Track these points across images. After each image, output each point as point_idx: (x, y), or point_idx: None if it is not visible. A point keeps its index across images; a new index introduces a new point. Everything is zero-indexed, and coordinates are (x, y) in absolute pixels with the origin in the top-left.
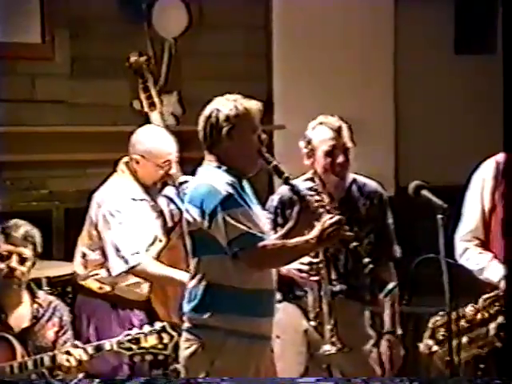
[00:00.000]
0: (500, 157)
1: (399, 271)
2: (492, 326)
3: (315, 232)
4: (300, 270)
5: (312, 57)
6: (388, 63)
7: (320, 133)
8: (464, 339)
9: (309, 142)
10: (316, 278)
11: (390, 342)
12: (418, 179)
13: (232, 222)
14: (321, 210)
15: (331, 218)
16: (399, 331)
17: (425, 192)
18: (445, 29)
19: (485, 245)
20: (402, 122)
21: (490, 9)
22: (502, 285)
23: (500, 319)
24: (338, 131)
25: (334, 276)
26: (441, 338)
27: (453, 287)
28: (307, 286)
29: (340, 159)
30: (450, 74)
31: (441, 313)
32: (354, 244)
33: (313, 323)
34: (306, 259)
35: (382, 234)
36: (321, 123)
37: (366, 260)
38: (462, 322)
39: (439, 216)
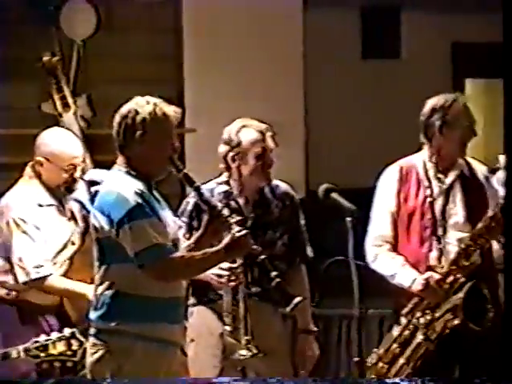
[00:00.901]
0: (404, 161)
1: (310, 273)
2: (419, 334)
3: (223, 244)
4: (219, 276)
5: (223, 59)
6: (298, 66)
7: (248, 135)
8: (401, 360)
9: (237, 145)
10: (235, 283)
11: (305, 341)
12: (328, 182)
13: (139, 233)
14: (231, 220)
15: (239, 230)
16: (314, 329)
17: (334, 195)
18: (352, 34)
19: (395, 248)
20: (312, 124)
21: (393, 16)
22: (415, 287)
23: (422, 320)
24: (263, 133)
25: (249, 279)
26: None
27: (362, 289)
28: (223, 290)
29: (270, 161)
30: (357, 78)
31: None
32: (262, 257)
33: (228, 327)
34: (226, 264)
35: (294, 236)
36: (245, 126)
37: (274, 273)
38: (395, 345)
39: (348, 218)
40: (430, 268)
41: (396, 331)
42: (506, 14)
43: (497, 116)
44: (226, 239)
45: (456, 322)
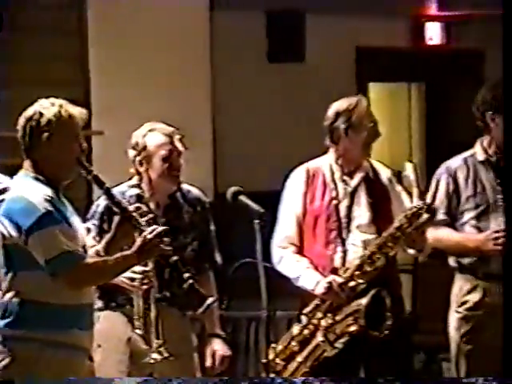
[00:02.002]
0: (310, 164)
1: (218, 276)
2: (319, 334)
3: (135, 247)
4: (131, 279)
5: (129, 60)
6: (205, 68)
7: (154, 138)
8: (299, 359)
9: (143, 149)
10: (147, 286)
11: (213, 344)
12: (236, 185)
13: (50, 240)
14: (142, 222)
15: (151, 232)
16: (221, 333)
17: (242, 198)
18: (258, 37)
19: (301, 250)
20: (220, 128)
21: (299, 20)
22: (318, 290)
23: (323, 322)
24: (170, 136)
25: (159, 282)
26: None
27: (270, 291)
28: (133, 294)
29: (178, 163)
30: (263, 81)
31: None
32: (174, 258)
33: (139, 331)
34: (138, 268)
35: (204, 242)
36: (152, 129)
37: (186, 275)
38: (293, 343)
39: (256, 221)
40: (334, 270)
41: (296, 329)
42: (506, 14)
43: (400, 120)
44: (138, 241)
45: (355, 327)
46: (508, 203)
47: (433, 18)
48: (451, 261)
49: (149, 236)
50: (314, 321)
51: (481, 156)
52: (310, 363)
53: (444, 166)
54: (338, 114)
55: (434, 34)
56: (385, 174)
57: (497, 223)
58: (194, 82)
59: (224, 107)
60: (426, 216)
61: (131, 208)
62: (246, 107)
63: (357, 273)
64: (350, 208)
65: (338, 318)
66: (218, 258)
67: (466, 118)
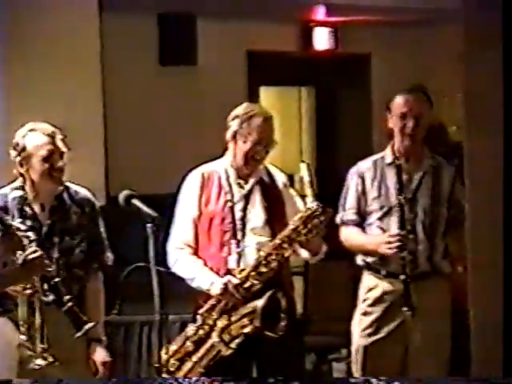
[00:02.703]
0: (206, 166)
1: (110, 280)
2: (214, 335)
3: (18, 266)
4: None
5: (19, 60)
6: (96, 69)
7: (34, 139)
8: (194, 359)
9: (23, 149)
10: (30, 291)
11: (94, 350)
12: (129, 188)
13: None
14: (24, 240)
15: (34, 251)
16: (103, 338)
17: (135, 201)
18: (149, 39)
19: (196, 252)
20: (112, 130)
21: (190, 23)
22: (213, 291)
23: (219, 323)
24: (52, 136)
25: (46, 286)
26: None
27: (163, 294)
28: (18, 299)
29: (59, 164)
30: (155, 84)
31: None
32: (56, 280)
33: (24, 337)
34: None
35: (94, 243)
36: (32, 130)
37: (67, 297)
38: (188, 343)
39: (149, 225)
40: (229, 271)
41: (191, 329)
42: (506, 14)
43: (291, 122)
44: (20, 259)
45: (251, 328)
46: (508, 204)
47: (321, 24)
48: (359, 259)
49: (31, 256)
50: (210, 321)
51: (389, 158)
52: (205, 363)
53: (355, 167)
54: (234, 118)
55: (322, 38)
56: (280, 178)
57: (395, 226)
58: (85, 83)
59: (116, 108)
60: (321, 218)
61: (15, 224)
62: (139, 109)
63: (252, 274)
64: (244, 211)
65: (233, 318)
66: (110, 258)
67: (353, 120)
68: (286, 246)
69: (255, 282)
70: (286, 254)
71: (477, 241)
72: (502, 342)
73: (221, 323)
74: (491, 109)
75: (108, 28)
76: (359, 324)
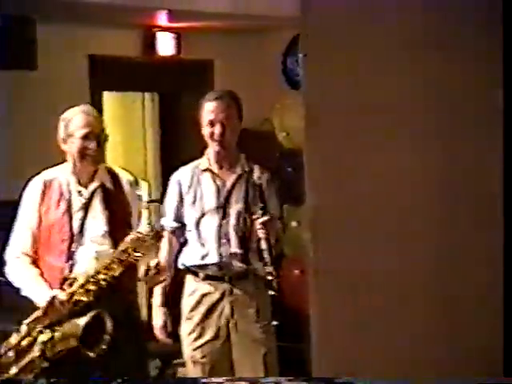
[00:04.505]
0: (47, 173)
1: None
2: (36, 348)
3: None
4: None
5: None
6: None
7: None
8: (14, 370)
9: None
10: None
11: None
12: None
13: None
14: None
15: None
16: None
17: None
18: None
19: (35, 261)
20: None
21: (29, 27)
22: (40, 303)
23: (43, 338)
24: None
25: None
26: None
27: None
28: None
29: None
30: None
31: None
32: None
33: None
34: None
35: None
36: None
37: None
38: (10, 354)
39: None
40: (65, 280)
41: (14, 339)
42: (506, 13)
43: (135, 128)
44: None
45: (72, 344)
46: (508, 205)
47: (164, 29)
48: (179, 263)
49: None
50: (34, 333)
51: (203, 165)
52: (25, 375)
53: (176, 173)
54: (61, 122)
55: (165, 44)
56: (125, 178)
57: (210, 231)
58: None
59: None
60: (152, 241)
61: None
62: None
63: (80, 290)
64: (83, 219)
65: (56, 334)
66: None
67: (197, 125)
68: (115, 266)
69: (83, 298)
70: (116, 274)
71: (315, 245)
72: (502, 342)
73: (44, 337)
74: (330, 114)
75: None
76: (184, 329)
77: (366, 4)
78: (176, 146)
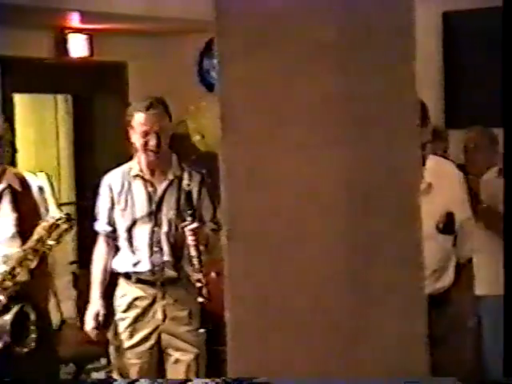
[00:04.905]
0: None
1: None
2: None
3: None
4: None
5: None
6: None
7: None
8: None
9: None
10: None
11: None
12: None
13: None
14: None
15: None
16: None
17: None
18: None
19: None
20: None
21: None
22: None
23: None
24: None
25: None
26: None
27: None
28: None
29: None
30: None
31: None
32: None
33: None
34: None
35: None
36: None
37: None
38: None
39: None
40: None
41: None
42: (506, 13)
43: (48, 131)
44: None
45: (1, 343)
46: (508, 206)
47: (75, 31)
48: (113, 267)
49: None
50: None
51: (134, 171)
52: None
53: (107, 176)
54: None
55: (77, 46)
56: (34, 183)
57: (142, 238)
58: None
59: None
60: (65, 226)
61: None
62: None
63: None
64: None
65: None
66: None
67: (111, 126)
68: (31, 257)
69: (0, 297)
70: (32, 266)
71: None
72: (502, 342)
73: None
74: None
75: None
76: (115, 330)
77: (280, 7)
78: (89, 147)
